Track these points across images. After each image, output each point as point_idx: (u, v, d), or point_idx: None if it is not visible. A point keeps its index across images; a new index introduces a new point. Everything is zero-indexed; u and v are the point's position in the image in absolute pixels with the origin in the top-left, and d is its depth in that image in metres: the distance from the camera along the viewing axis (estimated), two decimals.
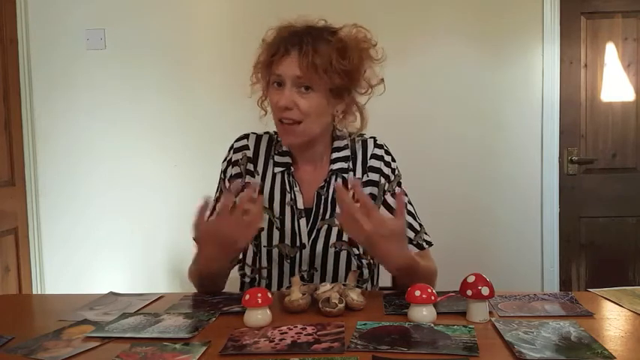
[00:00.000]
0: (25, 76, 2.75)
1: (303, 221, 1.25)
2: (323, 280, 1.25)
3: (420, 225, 1.29)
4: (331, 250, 1.24)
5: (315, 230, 1.25)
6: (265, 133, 1.34)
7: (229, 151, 1.33)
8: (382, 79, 1.25)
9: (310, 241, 1.25)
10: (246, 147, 1.30)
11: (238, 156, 1.30)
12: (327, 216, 1.25)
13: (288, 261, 1.25)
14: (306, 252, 1.24)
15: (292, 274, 1.25)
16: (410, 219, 1.27)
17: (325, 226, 1.25)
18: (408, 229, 1.24)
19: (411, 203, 1.31)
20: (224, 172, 1.32)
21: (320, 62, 1.14)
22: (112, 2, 2.74)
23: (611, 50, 2.72)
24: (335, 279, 1.25)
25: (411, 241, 1.25)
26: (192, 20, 2.74)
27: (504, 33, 2.67)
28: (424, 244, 1.28)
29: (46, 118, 2.78)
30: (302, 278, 1.22)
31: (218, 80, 2.70)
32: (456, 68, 2.68)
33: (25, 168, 2.77)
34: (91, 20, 2.74)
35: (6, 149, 2.68)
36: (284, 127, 1.19)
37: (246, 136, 1.33)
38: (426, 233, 1.29)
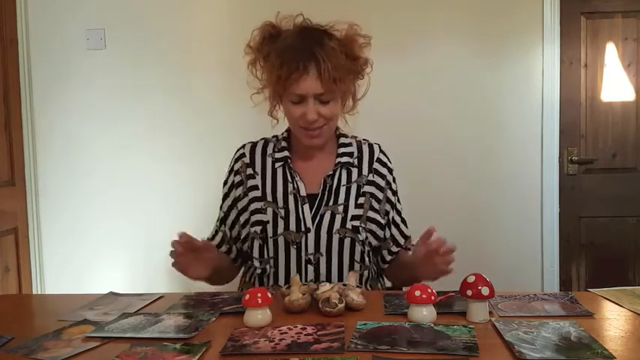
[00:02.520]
0: (25, 76, 2.75)
1: (306, 207, 1.30)
2: (329, 264, 1.29)
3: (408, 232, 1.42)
4: (335, 236, 1.29)
5: (318, 215, 1.30)
6: (261, 139, 1.42)
7: (231, 161, 1.42)
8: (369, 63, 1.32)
9: (314, 225, 1.29)
10: (243, 155, 1.40)
11: (238, 165, 1.39)
12: (332, 203, 1.31)
13: (294, 247, 1.29)
14: (311, 236, 1.29)
15: (299, 259, 1.29)
16: (402, 226, 1.41)
17: (329, 212, 1.30)
18: (400, 236, 1.40)
19: (402, 209, 1.43)
20: (225, 181, 1.41)
21: (337, 74, 1.20)
22: (112, 2, 2.74)
23: (611, 50, 2.72)
24: (340, 264, 1.29)
25: (400, 246, 1.39)
26: (192, 20, 2.74)
27: (504, 33, 2.67)
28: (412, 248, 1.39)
29: (46, 118, 2.78)
30: (308, 262, 1.28)
31: (218, 80, 2.70)
32: (456, 68, 2.68)
33: (25, 168, 2.77)
34: (91, 20, 2.74)
35: (6, 149, 2.68)
36: (308, 132, 1.27)
37: (242, 147, 1.42)
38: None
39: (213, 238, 1.42)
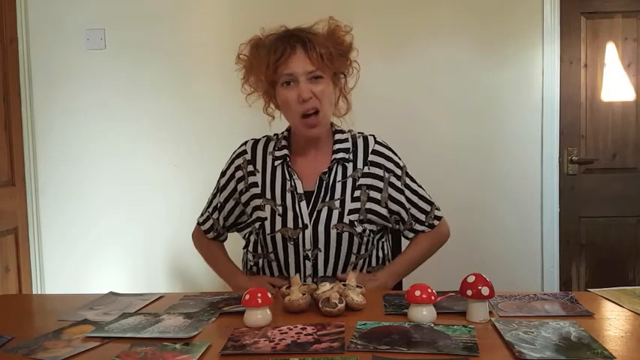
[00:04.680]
0: (25, 76, 2.75)
1: (303, 204, 1.33)
2: (327, 259, 1.31)
3: (430, 203, 1.44)
4: (333, 232, 1.31)
5: (315, 211, 1.32)
6: (263, 136, 1.45)
7: (232, 155, 1.45)
8: (355, 60, 1.37)
9: (312, 221, 1.31)
10: (245, 152, 1.43)
11: (239, 160, 1.42)
12: (328, 199, 1.33)
13: (292, 243, 1.32)
14: (308, 232, 1.31)
15: (297, 255, 1.32)
16: (421, 202, 1.41)
17: (326, 208, 1.32)
18: (419, 212, 1.41)
19: (420, 185, 1.44)
20: (224, 172, 1.45)
21: (324, 52, 1.26)
22: (112, 2, 2.73)
23: (611, 50, 2.72)
24: (337, 259, 1.32)
25: (422, 223, 1.42)
26: (192, 20, 2.74)
27: (504, 33, 2.66)
28: (435, 222, 1.43)
29: (46, 118, 2.78)
30: (306, 257, 1.31)
31: (218, 80, 2.69)
32: (455, 68, 2.68)
33: (25, 168, 2.77)
34: (91, 20, 2.74)
35: (6, 149, 2.67)
36: (307, 120, 1.28)
37: (244, 143, 1.45)
38: (437, 209, 1.45)
39: (203, 223, 1.49)
